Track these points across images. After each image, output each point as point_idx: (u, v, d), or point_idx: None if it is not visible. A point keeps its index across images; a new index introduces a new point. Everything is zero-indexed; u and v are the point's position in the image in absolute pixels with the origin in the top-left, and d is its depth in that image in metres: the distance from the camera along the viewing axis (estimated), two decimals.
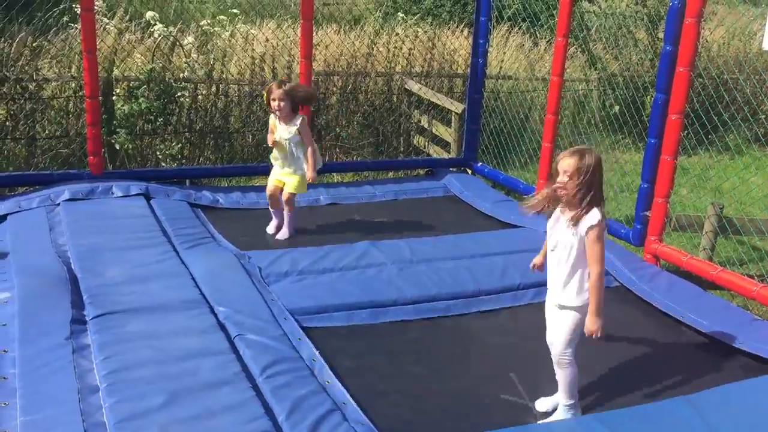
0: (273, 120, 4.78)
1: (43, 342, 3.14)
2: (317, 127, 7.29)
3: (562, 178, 2.98)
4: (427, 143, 7.42)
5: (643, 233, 4.81)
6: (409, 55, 7.80)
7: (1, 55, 6.31)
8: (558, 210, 3.10)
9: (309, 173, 4.77)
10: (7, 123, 6.10)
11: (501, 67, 8.29)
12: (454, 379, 3.39)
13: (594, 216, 2.97)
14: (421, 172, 6.71)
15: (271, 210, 4.97)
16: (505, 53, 8.66)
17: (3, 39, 6.68)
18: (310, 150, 4.76)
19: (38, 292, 3.54)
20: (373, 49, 7.64)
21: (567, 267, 3.04)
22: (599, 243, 2.98)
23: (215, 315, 3.57)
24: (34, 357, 3.05)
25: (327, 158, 7.36)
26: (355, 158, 7.33)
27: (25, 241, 4.25)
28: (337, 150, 7.41)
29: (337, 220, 5.34)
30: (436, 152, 7.23)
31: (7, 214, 4.68)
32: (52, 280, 3.70)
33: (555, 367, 3.12)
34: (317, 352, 3.38)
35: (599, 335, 3.03)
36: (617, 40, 9.17)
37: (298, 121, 4.72)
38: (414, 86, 7.44)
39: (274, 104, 4.64)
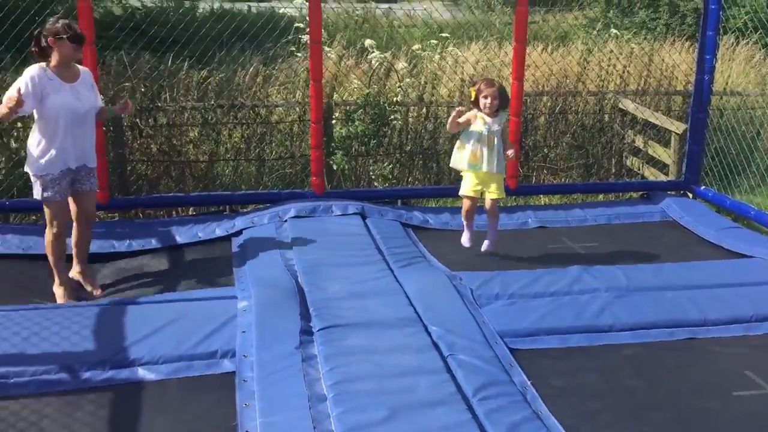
0: (472, 115, 4.56)
1: (276, 349, 3.42)
2: (524, 148, 7.23)
3: None
4: (641, 165, 7.06)
5: None
6: (624, 72, 7.49)
7: (239, 84, 6.99)
8: None
9: (512, 150, 4.68)
10: (242, 146, 6.73)
11: (727, 83, 7.68)
12: (674, 397, 3.22)
13: None
14: (635, 195, 6.40)
15: (465, 222, 4.82)
16: (731, 67, 8.02)
17: (240, 69, 7.42)
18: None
19: (272, 302, 3.86)
20: (585, 67, 7.44)
21: None
22: None
23: (429, 334, 3.66)
24: (269, 363, 3.33)
25: (533, 180, 7.28)
26: (563, 180, 7.16)
27: (259, 254, 4.65)
28: (545, 171, 7.29)
29: (547, 244, 5.25)
30: (652, 174, 6.86)
31: (243, 229, 5.16)
32: (283, 292, 4.01)
33: None
34: (530, 382, 3.35)
35: None
36: None
37: (505, 115, 4.66)
38: (629, 105, 7.12)
39: (486, 101, 4.49)
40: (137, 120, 6.18)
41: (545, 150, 7.31)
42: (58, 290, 4.38)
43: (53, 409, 3.13)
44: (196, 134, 6.47)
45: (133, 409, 3.15)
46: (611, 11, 14.86)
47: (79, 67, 4.35)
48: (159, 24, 9.50)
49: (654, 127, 6.96)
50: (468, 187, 4.67)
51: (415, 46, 8.04)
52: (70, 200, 4.37)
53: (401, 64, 7.60)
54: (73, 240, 4.50)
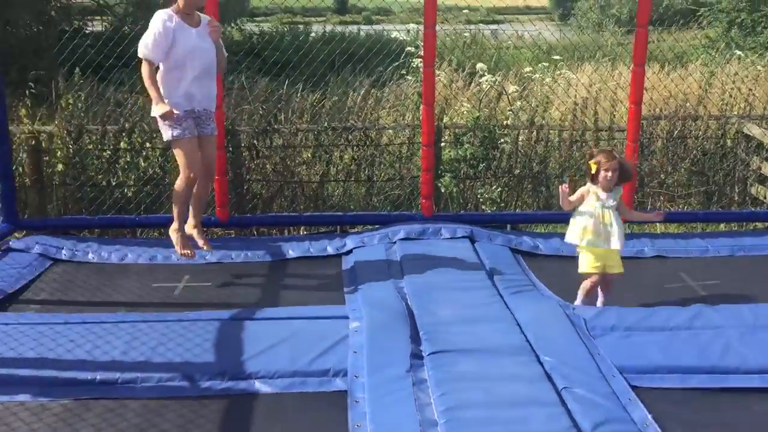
0: (585, 190, 4.41)
1: (387, 372, 3.45)
2: (639, 173, 7.00)
3: None
4: None
5: None
6: (749, 95, 7.13)
7: (351, 106, 7.16)
8: None
9: (655, 216, 4.87)
10: (352, 167, 6.87)
11: None
12: None
13: None
14: (761, 225, 6.04)
15: (581, 296, 4.47)
16: None
17: (352, 91, 7.60)
18: (635, 214, 4.94)
19: (382, 324, 3.90)
20: (706, 90, 7.14)
21: None
22: None
23: (541, 364, 3.59)
24: (380, 385, 3.36)
25: (649, 206, 7.03)
26: (681, 208, 6.87)
27: (369, 275, 4.72)
28: (661, 198, 7.02)
29: (664, 275, 5.04)
30: None
31: (353, 249, 5.25)
32: (393, 314, 4.05)
33: None
34: (650, 416, 3.21)
35: None
36: None
37: (621, 188, 4.47)
38: (755, 130, 6.76)
39: (607, 174, 4.30)
40: (255, 141, 6.44)
41: (662, 176, 7.05)
42: (174, 235, 4.64)
43: (174, 413, 3.29)
44: (309, 155, 6.67)
45: (249, 418, 3.26)
46: (732, 31, 14.22)
47: (199, 13, 4.51)
48: (275, 48, 9.92)
49: None
50: (587, 264, 4.43)
51: (527, 69, 7.97)
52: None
53: (512, 88, 7.55)
54: (193, 191, 4.65)
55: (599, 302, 4.49)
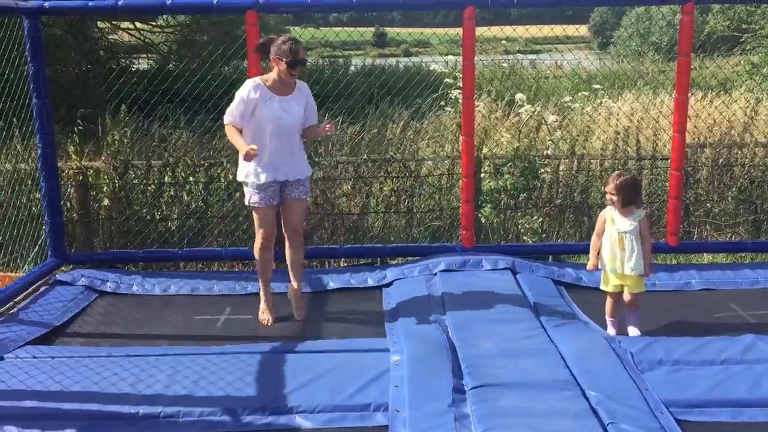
0: (608, 212, 4.44)
1: (429, 407, 3.39)
2: (685, 202, 6.86)
3: None
4: None
5: None
6: None
7: (391, 138, 7.20)
8: None
9: (646, 269, 4.38)
10: (392, 198, 6.88)
11: None
12: None
13: None
14: None
15: (607, 319, 4.54)
16: None
17: (391, 123, 7.65)
18: (647, 245, 4.39)
19: (424, 357, 3.85)
20: (752, 117, 6.99)
21: None
22: None
23: (587, 399, 3.50)
24: (422, 420, 3.31)
25: (695, 236, 6.86)
26: (729, 237, 6.69)
27: (410, 307, 4.69)
28: (708, 227, 6.85)
29: (713, 308, 4.89)
30: None
31: (393, 281, 5.23)
32: (435, 347, 4.00)
33: None
34: None
35: None
36: None
37: (642, 213, 4.41)
38: None
39: (606, 198, 4.44)
40: None
41: (708, 204, 6.89)
42: (261, 315, 4.75)
43: None
44: (349, 187, 6.70)
45: None
46: None
47: (298, 81, 4.53)
48: (315, 82, 10.06)
49: None
50: (603, 282, 4.55)
51: (566, 98, 7.92)
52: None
53: (552, 118, 7.51)
54: (268, 257, 4.69)
55: (629, 323, 4.47)
